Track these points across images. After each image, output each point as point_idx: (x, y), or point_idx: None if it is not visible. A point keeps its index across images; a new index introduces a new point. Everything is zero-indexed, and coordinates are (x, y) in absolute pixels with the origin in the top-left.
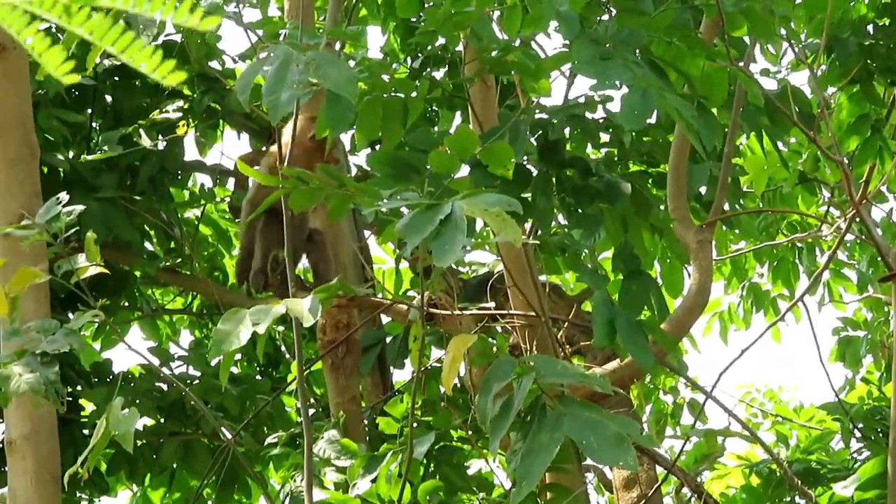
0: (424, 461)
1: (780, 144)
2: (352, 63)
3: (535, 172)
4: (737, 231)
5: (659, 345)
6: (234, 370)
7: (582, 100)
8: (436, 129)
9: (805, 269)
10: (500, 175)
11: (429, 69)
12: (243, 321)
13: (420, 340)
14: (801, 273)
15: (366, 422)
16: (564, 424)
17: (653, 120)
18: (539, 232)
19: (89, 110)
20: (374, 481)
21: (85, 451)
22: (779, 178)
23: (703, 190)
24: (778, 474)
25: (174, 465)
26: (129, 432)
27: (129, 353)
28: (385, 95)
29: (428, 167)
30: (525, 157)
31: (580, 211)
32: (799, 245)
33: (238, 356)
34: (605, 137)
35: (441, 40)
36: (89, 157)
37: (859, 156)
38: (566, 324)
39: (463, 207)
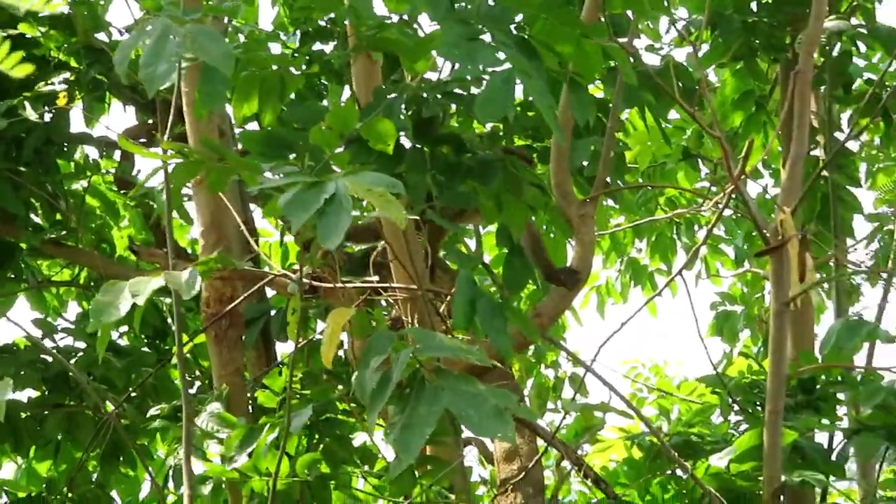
0: (306, 434)
1: (663, 120)
2: (241, 37)
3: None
4: (617, 206)
5: (523, 331)
6: (122, 342)
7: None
8: (325, 103)
9: (683, 244)
10: (378, 150)
11: (314, 43)
12: (123, 293)
13: (298, 313)
14: (679, 248)
15: (249, 394)
16: (443, 397)
17: None
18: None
19: None
20: (252, 454)
21: None
22: (662, 153)
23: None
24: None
25: (59, 438)
26: (1, 402)
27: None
28: (263, 70)
29: (303, 144)
30: (401, 134)
31: (452, 188)
32: (677, 221)
33: (125, 328)
34: None
35: (331, 14)
36: None
37: (743, 132)
38: (448, 297)
39: (347, 186)
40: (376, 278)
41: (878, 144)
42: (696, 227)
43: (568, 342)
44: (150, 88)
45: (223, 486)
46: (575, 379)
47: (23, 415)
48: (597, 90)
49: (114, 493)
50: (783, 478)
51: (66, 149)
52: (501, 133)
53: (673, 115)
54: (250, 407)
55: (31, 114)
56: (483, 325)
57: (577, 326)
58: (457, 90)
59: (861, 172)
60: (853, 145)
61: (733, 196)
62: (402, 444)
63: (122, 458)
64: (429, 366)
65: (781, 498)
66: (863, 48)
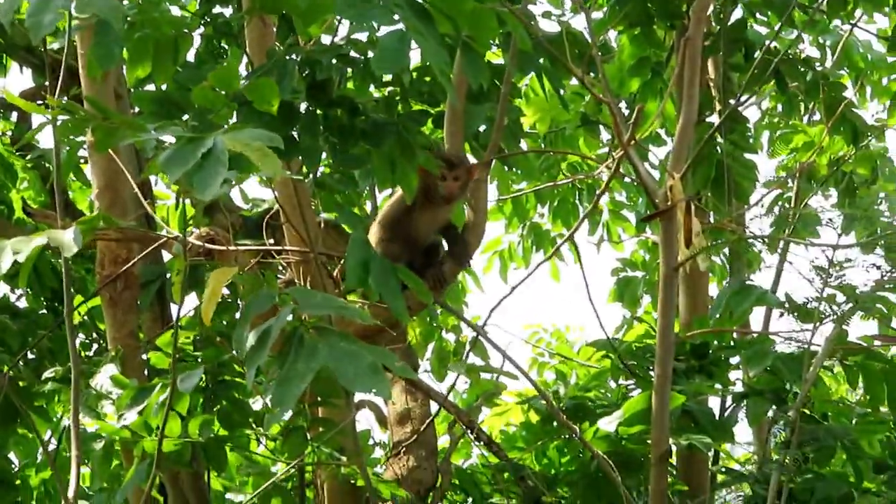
0: (202, 396)
1: (562, 87)
2: None
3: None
4: (518, 171)
5: (417, 293)
6: (21, 304)
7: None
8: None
9: (584, 209)
10: (267, 113)
11: (214, 6)
12: (4, 250)
13: (183, 274)
14: (581, 213)
15: (144, 356)
16: (321, 354)
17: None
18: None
19: None
20: (142, 412)
21: None
22: (562, 119)
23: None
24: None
25: None
26: None
27: None
28: (158, 32)
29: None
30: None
31: (345, 150)
32: (579, 186)
33: (25, 290)
34: (386, 77)
35: None
36: None
37: (639, 98)
38: (341, 260)
39: (224, 141)
40: (271, 241)
41: (781, 112)
42: (597, 193)
43: (471, 306)
44: (34, 36)
45: (115, 445)
46: (473, 343)
47: None
48: (496, 56)
49: (12, 455)
50: (671, 441)
51: None
52: (397, 98)
53: (574, 81)
54: (146, 369)
55: None
56: (376, 286)
57: (479, 291)
58: (353, 54)
59: (764, 140)
60: (755, 113)
61: (624, 162)
62: (278, 399)
63: (19, 421)
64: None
65: (672, 460)
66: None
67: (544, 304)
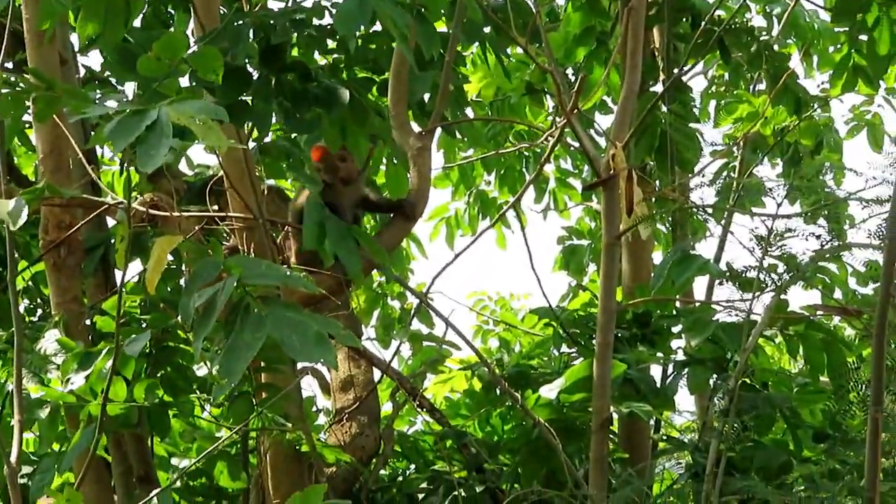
0: (146, 362)
1: (505, 56)
2: None
3: (255, 76)
4: (465, 139)
5: (372, 253)
6: None
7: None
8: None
9: (531, 177)
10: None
11: None
12: None
13: (126, 241)
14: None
15: (88, 322)
16: (267, 323)
17: (378, 28)
18: (260, 136)
19: None
20: (88, 377)
21: None
22: (507, 88)
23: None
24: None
25: None
26: None
27: None
28: None
29: None
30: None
31: (298, 115)
32: (526, 154)
33: None
34: (331, 44)
35: None
36: None
37: (585, 67)
38: (285, 227)
39: (168, 114)
40: (215, 207)
41: (727, 81)
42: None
43: (416, 273)
44: None
45: (60, 410)
46: (415, 311)
47: None
48: (440, 24)
49: None
50: (612, 409)
51: None
52: (342, 66)
53: (520, 50)
54: (90, 335)
55: None
56: (333, 246)
57: (424, 258)
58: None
59: (711, 109)
60: (702, 83)
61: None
62: (225, 369)
63: None
64: (265, 294)
65: (614, 428)
66: None
67: (491, 272)
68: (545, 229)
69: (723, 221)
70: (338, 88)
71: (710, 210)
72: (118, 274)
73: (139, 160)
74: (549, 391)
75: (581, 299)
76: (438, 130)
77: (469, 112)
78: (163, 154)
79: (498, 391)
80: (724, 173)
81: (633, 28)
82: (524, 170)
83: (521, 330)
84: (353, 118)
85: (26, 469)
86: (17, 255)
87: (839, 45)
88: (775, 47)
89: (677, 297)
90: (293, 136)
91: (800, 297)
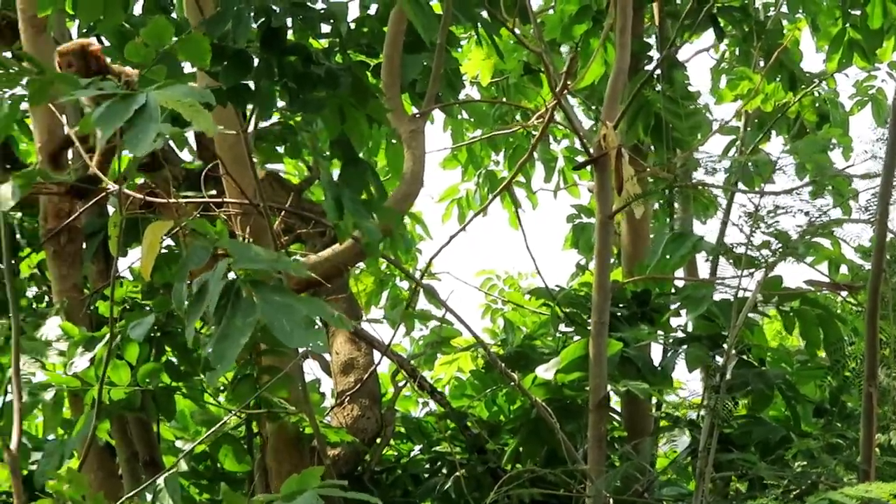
0: (149, 346)
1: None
2: None
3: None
4: (472, 119)
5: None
6: None
7: None
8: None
9: (539, 156)
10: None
11: None
12: None
13: (120, 227)
14: (536, 161)
15: (89, 308)
16: (258, 309)
17: (372, 11)
18: (257, 121)
19: None
20: (92, 361)
21: None
22: (506, 68)
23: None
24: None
25: None
26: None
27: None
28: None
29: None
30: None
31: (301, 97)
32: (533, 133)
33: None
34: (325, 28)
35: None
36: None
37: (582, 46)
38: (282, 212)
39: (156, 98)
40: (214, 193)
41: (735, 58)
42: (552, 140)
43: (424, 254)
44: None
45: (64, 395)
46: (414, 292)
47: None
48: (436, 7)
49: None
50: (610, 387)
51: None
52: (337, 49)
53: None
54: (91, 320)
55: None
56: (354, 216)
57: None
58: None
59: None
60: (708, 61)
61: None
62: (218, 355)
63: None
64: (265, 279)
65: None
66: None
67: (502, 251)
68: (557, 208)
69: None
70: (339, 70)
71: (703, 188)
72: (123, 261)
73: (128, 144)
74: (545, 371)
75: (586, 278)
76: (438, 112)
77: (475, 93)
78: (151, 138)
79: (492, 371)
80: (732, 150)
81: (621, 6)
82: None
83: (528, 309)
84: (354, 100)
85: (36, 455)
86: (23, 243)
87: (835, 20)
88: (768, 25)
89: (679, 275)
90: (289, 121)
91: (801, 274)
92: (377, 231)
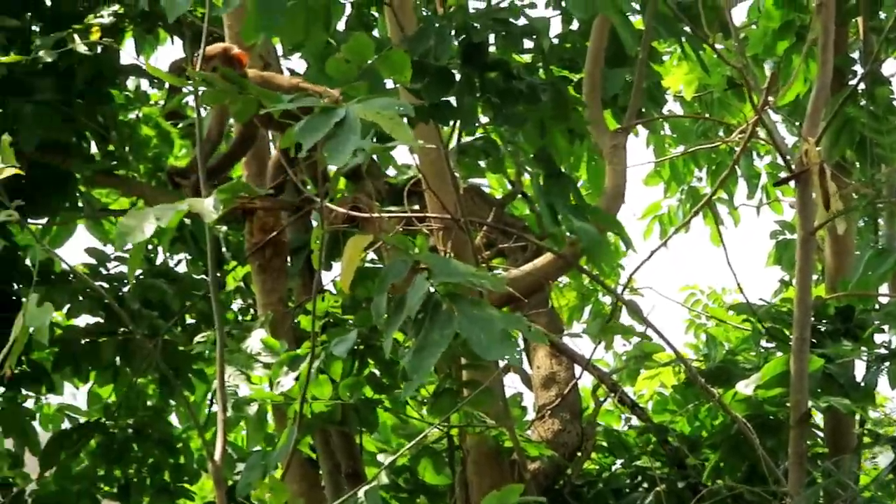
0: (352, 360)
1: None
2: None
3: (458, 76)
4: (675, 135)
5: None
6: (180, 269)
7: (505, 4)
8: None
9: (743, 172)
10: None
11: None
12: (148, 216)
13: (322, 241)
14: (739, 177)
15: (293, 322)
16: (455, 322)
17: (574, 27)
18: (459, 136)
19: (28, 14)
20: (297, 379)
21: (5, 348)
22: (711, 83)
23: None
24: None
25: (116, 363)
26: (44, 326)
27: (76, 253)
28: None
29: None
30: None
31: (504, 112)
32: (737, 150)
33: (186, 255)
34: (528, 44)
35: None
36: (23, 61)
37: (784, 62)
38: (483, 227)
39: (356, 111)
40: (416, 207)
41: None
42: (755, 156)
43: (627, 269)
44: (170, 14)
45: (267, 409)
46: (614, 307)
47: (82, 341)
48: (638, 23)
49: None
50: (811, 404)
51: (117, 81)
52: (539, 65)
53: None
54: (295, 334)
55: (79, 46)
56: (573, 219)
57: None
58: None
59: None
60: None
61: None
62: (414, 367)
63: (180, 384)
64: (465, 292)
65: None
66: None
67: (703, 268)
68: (761, 225)
69: None
70: (541, 85)
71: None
72: (325, 275)
73: (327, 156)
74: (745, 387)
75: (789, 294)
76: (642, 128)
77: (678, 108)
78: (350, 150)
79: (692, 387)
80: None
81: (823, 22)
82: (736, 166)
83: (731, 325)
84: (554, 114)
85: (240, 466)
86: (228, 256)
87: None
88: None
89: (887, 293)
90: (491, 135)
91: None
92: (594, 231)
